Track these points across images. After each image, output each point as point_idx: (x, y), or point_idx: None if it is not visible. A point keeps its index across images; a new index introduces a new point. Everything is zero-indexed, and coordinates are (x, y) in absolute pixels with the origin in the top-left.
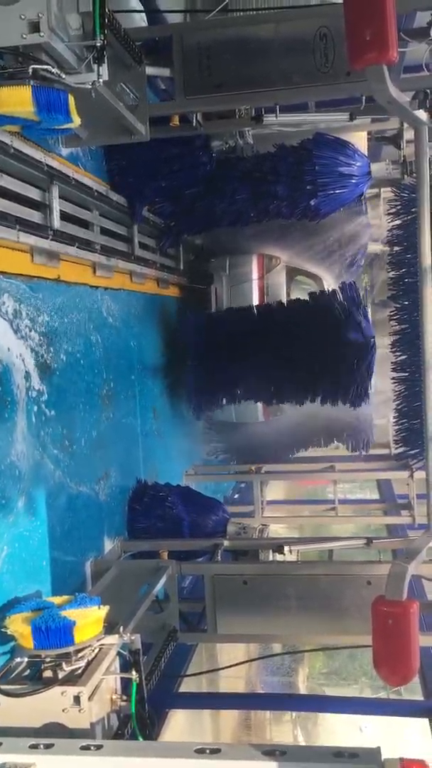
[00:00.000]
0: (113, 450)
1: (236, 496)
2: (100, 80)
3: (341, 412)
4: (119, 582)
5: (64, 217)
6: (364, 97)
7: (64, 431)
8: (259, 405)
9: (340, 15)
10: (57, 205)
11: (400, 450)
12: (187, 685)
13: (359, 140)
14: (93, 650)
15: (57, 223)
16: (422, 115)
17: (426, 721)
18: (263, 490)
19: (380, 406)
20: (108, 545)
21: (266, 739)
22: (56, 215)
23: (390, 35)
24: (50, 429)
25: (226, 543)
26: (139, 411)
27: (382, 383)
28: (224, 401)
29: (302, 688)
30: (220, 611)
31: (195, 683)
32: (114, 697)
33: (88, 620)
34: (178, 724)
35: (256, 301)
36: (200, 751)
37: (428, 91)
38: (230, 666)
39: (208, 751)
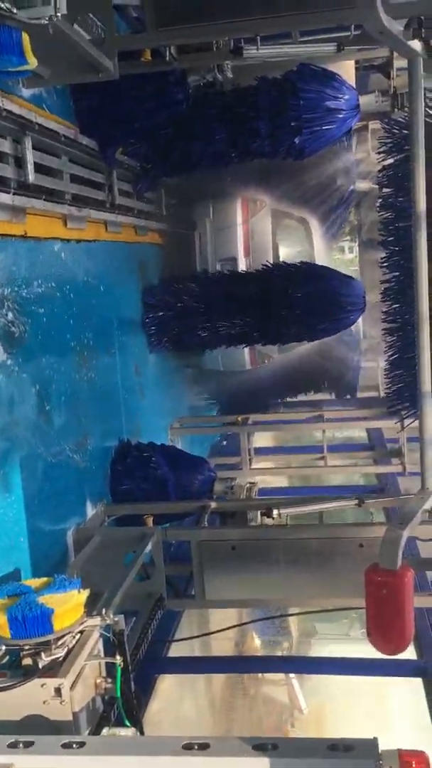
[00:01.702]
0: (93, 410)
1: (224, 443)
2: (58, 14)
3: (327, 360)
4: (103, 550)
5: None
6: (353, 26)
7: (37, 394)
8: (246, 352)
9: None
10: (24, 155)
11: (393, 404)
12: (176, 647)
13: (347, 70)
14: (74, 636)
15: (19, 174)
16: (416, 45)
17: (419, 680)
18: (250, 439)
19: (368, 352)
20: (90, 511)
21: (260, 695)
22: (24, 166)
23: None
24: (21, 392)
25: (213, 505)
26: (119, 367)
27: (372, 329)
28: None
29: (293, 630)
30: (207, 577)
31: (185, 644)
32: (98, 680)
33: (67, 606)
34: (168, 688)
35: (241, 247)
36: (188, 747)
37: (422, 18)
38: (219, 631)
39: (196, 746)
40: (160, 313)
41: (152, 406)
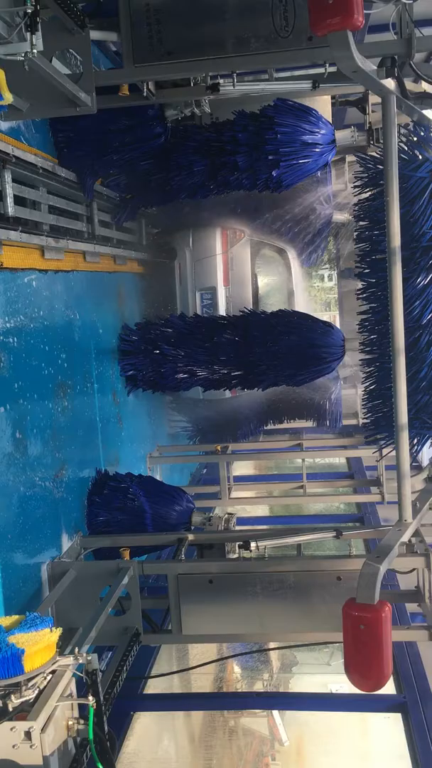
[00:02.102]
0: (70, 440)
1: (204, 470)
2: (34, 50)
3: (308, 390)
4: (78, 584)
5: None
6: (327, 63)
7: (12, 425)
8: None
9: None
10: (3, 189)
11: (370, 433)
12: (154, 683)
13: (323, 105)
14: (45, 677)
15: None
16: (390, 83)
17: (399, 715)
18: (230, 468)
19: (347, 380)
20: (66, 543)
21: (240, 727)
22: (4, 199)
23: None
24: None
25: (190, 537)
26: (97, 396)
27: (350, 356)
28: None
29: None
30: (185, 611)
31: (163, 678)
32: (70, 722)
33: (38, 646)
34: (146, 724)
35: (221, 277)
36: None
37: (395, 57)
38: (196, 666)
39: None
40: (135, 360)
41: (131, 435)
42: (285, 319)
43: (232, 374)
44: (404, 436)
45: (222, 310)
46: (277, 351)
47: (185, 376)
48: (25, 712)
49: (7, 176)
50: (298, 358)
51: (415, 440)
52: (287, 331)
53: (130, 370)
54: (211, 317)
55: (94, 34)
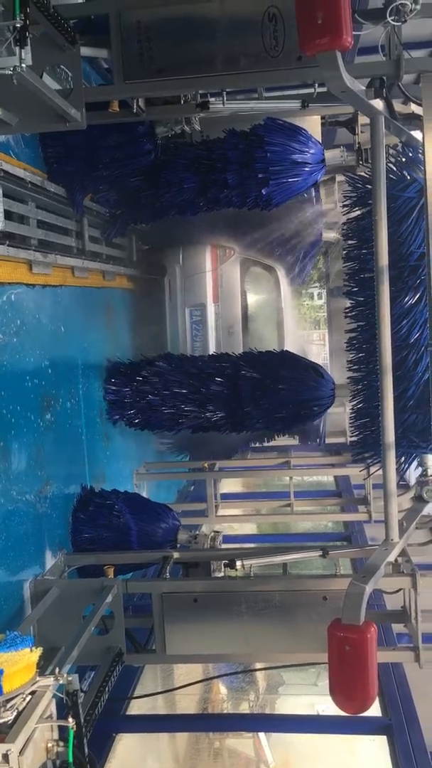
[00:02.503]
0: (55, 456)
1: (192, 488)
2: (23, 65)
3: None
4: (61, 603)
5: None
6: (317, 83)
7: None
8: None
9: None
10: None
11: (358, 452)
12: (137, 703)
13: (313, 125)
14: (24, 698)
15: None
16: (378, 104)
17: (384, 738)
18: (217, 485)
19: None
20: (50, 561)
21: (225, 747)
22: None
23: (344, 19)
24: None
25: (176, 555)
26: (83, 413)
27: (338, 375)
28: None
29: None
30: (169, 630)
31: (147, 699)
32: (50, 745)
33: (18, 666)
34: (129, 745)
35: (210, 294)
36: None
37: (384, 78)
38: (180, 687)
39: None
40: (122, 409)
41: (117, 452)
42: (274, 372)
43: (221, 422)
44: (391, 455)
45: (211, 328)
46: (268, 408)
47: (173, 422)
48: (3, 734)
49: None
50: (289, 413)
51: (402, 459)
52: (277, 388)
53: (116, 416)
54: (198, 359)
55: (85, 51)
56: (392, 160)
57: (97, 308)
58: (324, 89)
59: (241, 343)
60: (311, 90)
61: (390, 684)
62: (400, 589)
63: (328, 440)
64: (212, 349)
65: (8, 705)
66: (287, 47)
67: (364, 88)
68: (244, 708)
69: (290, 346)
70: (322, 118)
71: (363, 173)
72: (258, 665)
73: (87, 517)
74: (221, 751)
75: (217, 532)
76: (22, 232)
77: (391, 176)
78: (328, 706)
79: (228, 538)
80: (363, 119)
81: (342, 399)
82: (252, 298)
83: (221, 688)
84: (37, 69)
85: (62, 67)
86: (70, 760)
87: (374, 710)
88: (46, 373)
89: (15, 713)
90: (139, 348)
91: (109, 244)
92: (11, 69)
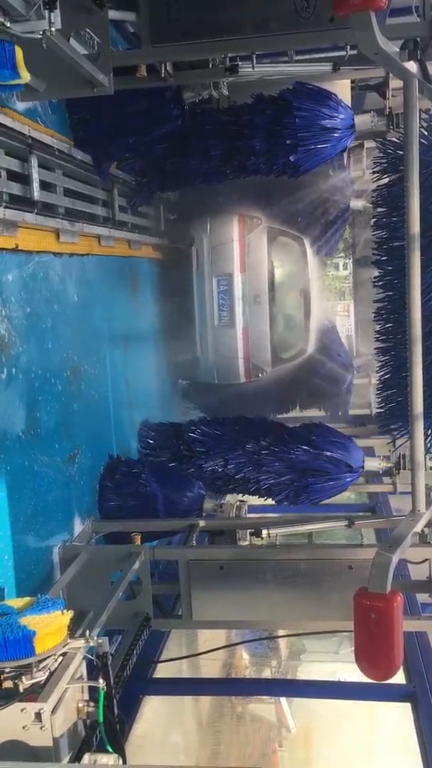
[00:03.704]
0: (82, 423)
1: None
2: (52, 29)
3: (321, 380)
4: (90, 568)
5: (20, 179)
6: (348, 46)
7: (26, 407)
8: (241, 364)
9: None
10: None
11: (384, 423)
12: (163, 667)
13: (343, 89)
14: (56, 659)
15: (11, 188)
16: (412, 66)
17: (408, 705)
18: None
19: (360, 369)
20: (78, 527)
21: (247, 713)
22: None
23: None
24: (8, 404)
25: (201, 523)
26: (110, 382)
27: (364, 346)
28: None
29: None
30: (195, 597)
31: (172, 664)
32: (80, 705)
33: (50, 628)
34: (154, 708)
35: (237, 264)
36: None
37: (418, 39)
38: (205, 652)
39: None
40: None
41: (144, 420)
42: (306, 453)
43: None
44: (419, 426)
45: (238, 298)
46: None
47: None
48: (35, 693)
49: (34, 161)
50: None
51: (430, 430)
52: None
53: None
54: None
55: (113, 14)
56: (425, 124)
57: (124, 277)
58: (356, 52)
59: (267, 313)
60: (342, 53)
61: (414, 652)
62: (426, 560)
63: (353, 412)
64: (239, 319)
65: (41, 666)
66: (319, 8)
67: (397, 50)
68: (267, 674)
69: (315, 317)
70: (352, 82)
71: (394, 139)
72: (281, 632)
73: (114, 485)
74: (243, 715)
75: (243, 501)
76: (49, 200)
77: (423, 141)
78: (350, 674)
79: (252, 508)
80: (394, 83)
81: (367, 371)
82: (278, 268)
83: (244, 655)
84: (65, 33)
85: (88, 31)
86: (101, 720)
87: (398, 678)
88: (73, 340)
89: (47, 674)
90: (167, 315)
91: (135, 213)
92: (41, 33)
